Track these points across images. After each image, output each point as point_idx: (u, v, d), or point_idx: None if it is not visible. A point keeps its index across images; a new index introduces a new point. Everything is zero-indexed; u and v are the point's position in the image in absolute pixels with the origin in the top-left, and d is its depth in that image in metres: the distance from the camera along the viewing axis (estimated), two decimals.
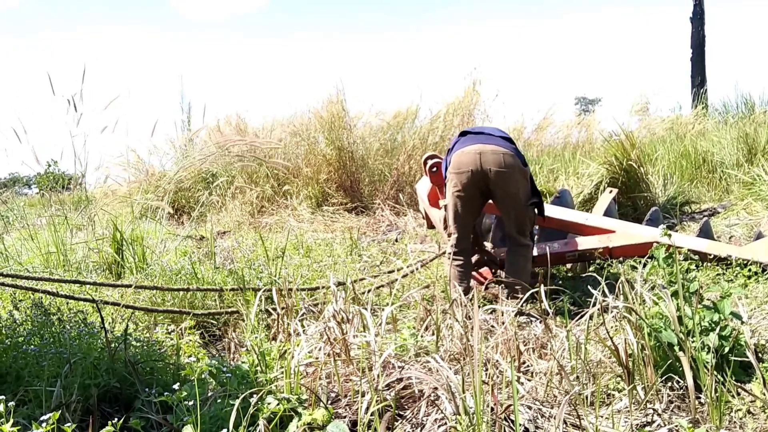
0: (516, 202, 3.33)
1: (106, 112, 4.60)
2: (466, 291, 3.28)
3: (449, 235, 3.50)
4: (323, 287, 3.57)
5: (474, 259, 3.77)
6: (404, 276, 3.81)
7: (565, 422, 1.95)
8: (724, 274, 3.37)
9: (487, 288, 3.67)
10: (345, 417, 2.05)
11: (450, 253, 3.48)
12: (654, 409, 2.01)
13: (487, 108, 8.86)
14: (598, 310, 2.37)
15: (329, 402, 2.14)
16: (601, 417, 2.01)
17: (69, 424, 1.65)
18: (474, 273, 3.82)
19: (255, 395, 1.88)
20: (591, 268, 3.89)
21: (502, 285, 3.37)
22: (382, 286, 3.71)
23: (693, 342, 2.09)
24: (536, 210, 3.48)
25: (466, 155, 3.32)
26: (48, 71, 4.35)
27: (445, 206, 3.53)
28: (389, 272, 3.72)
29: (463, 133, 3.56)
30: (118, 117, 5.27)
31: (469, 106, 8.59)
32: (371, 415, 1.86)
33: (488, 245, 4.04)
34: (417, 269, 3.92)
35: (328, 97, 8.45)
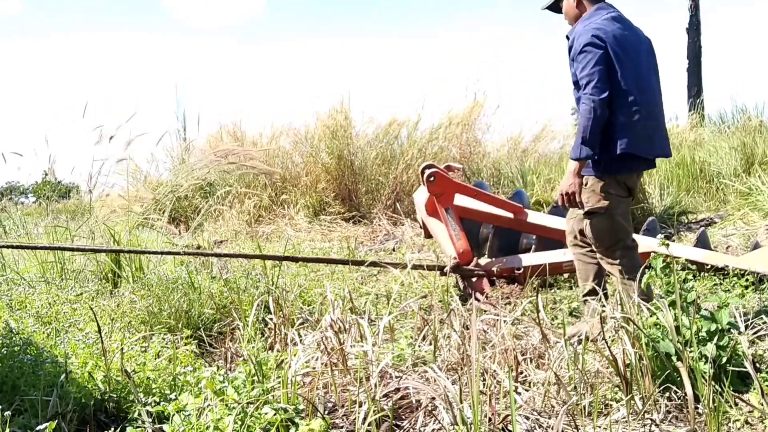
0: None
1: (110, 126, 4.63)
2: None
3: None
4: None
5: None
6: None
7: None
8: (721, 283, 3.37)
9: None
10: (342, 427, 2.04)
11: None
12: (652, 420, 2.01)
13: (488, 120, 8.95)
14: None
15: (326, 412, 2.13)
16: (599, 427, 2.00)
17: None
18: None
19: (252, 405, 1.87)
20: None
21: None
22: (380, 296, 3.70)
23: (691, 352, 2.09)
24: None
25: None
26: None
27: None
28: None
29: None
30: (127, 138, 5.32)
31: (470, 117, 8.64)
32: (368, 425, 1.85)
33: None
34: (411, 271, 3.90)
35: (332, 106, 8.50)
